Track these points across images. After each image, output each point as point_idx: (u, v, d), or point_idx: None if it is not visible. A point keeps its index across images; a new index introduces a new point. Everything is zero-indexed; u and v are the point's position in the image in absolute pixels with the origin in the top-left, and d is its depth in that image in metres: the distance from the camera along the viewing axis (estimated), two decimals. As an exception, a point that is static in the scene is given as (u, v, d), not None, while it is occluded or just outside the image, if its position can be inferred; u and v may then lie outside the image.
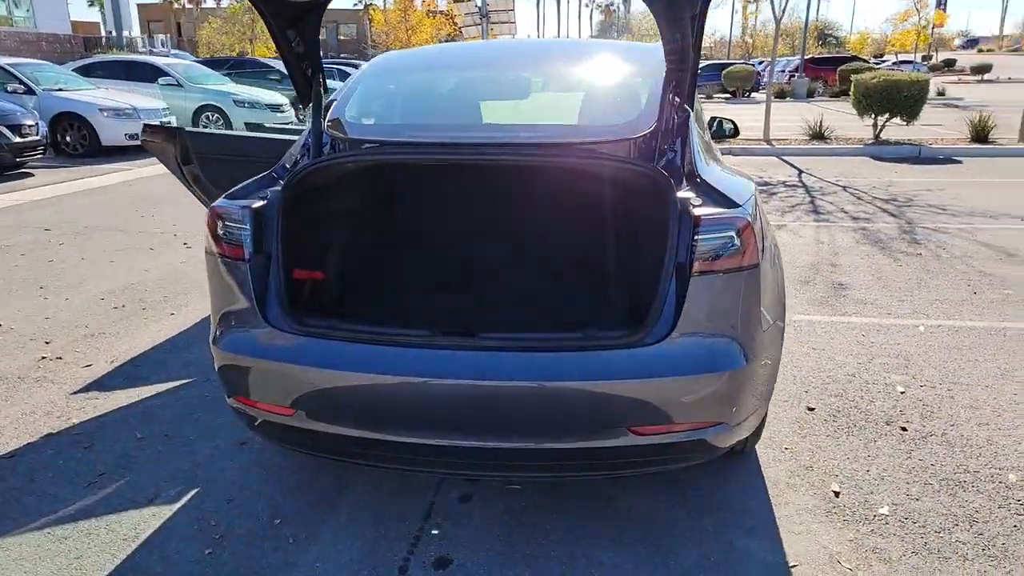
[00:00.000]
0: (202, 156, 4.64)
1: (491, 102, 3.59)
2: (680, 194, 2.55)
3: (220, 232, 2.74)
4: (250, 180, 3.02)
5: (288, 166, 3.13)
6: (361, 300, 3.30)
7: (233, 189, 2.92)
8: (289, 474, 3.27)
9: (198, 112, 16.74)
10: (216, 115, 16.79)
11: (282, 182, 2.92)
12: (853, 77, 14.46)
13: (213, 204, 2.80)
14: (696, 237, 2.43)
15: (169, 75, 16.95)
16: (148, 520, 2.97)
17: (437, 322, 2.67)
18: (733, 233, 2.45)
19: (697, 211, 2.48)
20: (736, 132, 4.93)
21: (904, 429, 3.57)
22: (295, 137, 4.48)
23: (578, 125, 3.19)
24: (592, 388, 2.40)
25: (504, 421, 2.47)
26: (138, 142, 14.03)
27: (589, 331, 2.52)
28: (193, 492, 3.16)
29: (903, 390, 3.98)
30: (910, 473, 3.20)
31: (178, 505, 3.07)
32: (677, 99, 2.94)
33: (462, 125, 3.29)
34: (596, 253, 3.39)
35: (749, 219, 2.48)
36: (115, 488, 3.19)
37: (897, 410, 3.76)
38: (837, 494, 3.06)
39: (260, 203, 2.75)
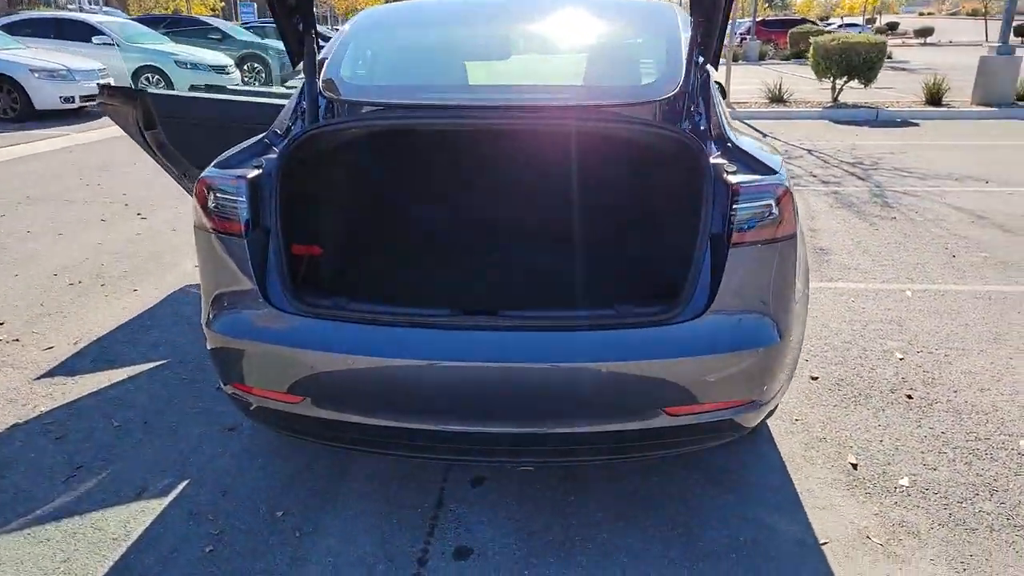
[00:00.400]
0: (167, 120, 4.31)
1: (500, 60, 3.38)
2: (712, 160, 2.41)
3: (212, 205, 2.50)
4: (239, 147, 2.77)
5: (280, 132, 2.88)
6: (369, 277, 3.09)
7: (222, 157, 2.67)
8: (284, 461, 3.08)
9: (137, 74, 15.91)
10: (157, 77, 15.99)
11: (277, 149, 2.69)
12: (812, 39, 14.49)
13: (203, 174, 2.55)
14: (734, 206, 2.30)
15: (104, 34, 16.02)
16: (138, 516, 2.76)
17: (454, 300, 2.50)
18: (772, 201, 2.33)
19: (732, 178, 2.35)
20: (724, 94, 4.81)
21: (910, 397, 3.55)
22: (275, 100, 4.21)
23: (600, 86, 3.00)
24: (628, 369, 2.27)
25: (533, 406, 2.33)
26: (75, 106, 13.30)
27: (620, 308, 2.37)
28: (184, 484, 2.95)
29: (901, 356, 3.97)
30: (923, 442, 3.17)
31: (169, 499, 2.86)
32: (701, 58, 2.79)
33: (470, 86, 3.08)
34: (622, 224, 3.23)
35: (788, 186, 2.36)
36: (97, 482, 2.96)
37: (899, 377, 3.74)
38: (855, 466, 3.01)
39: (256, 173, 2.52)
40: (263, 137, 2.81)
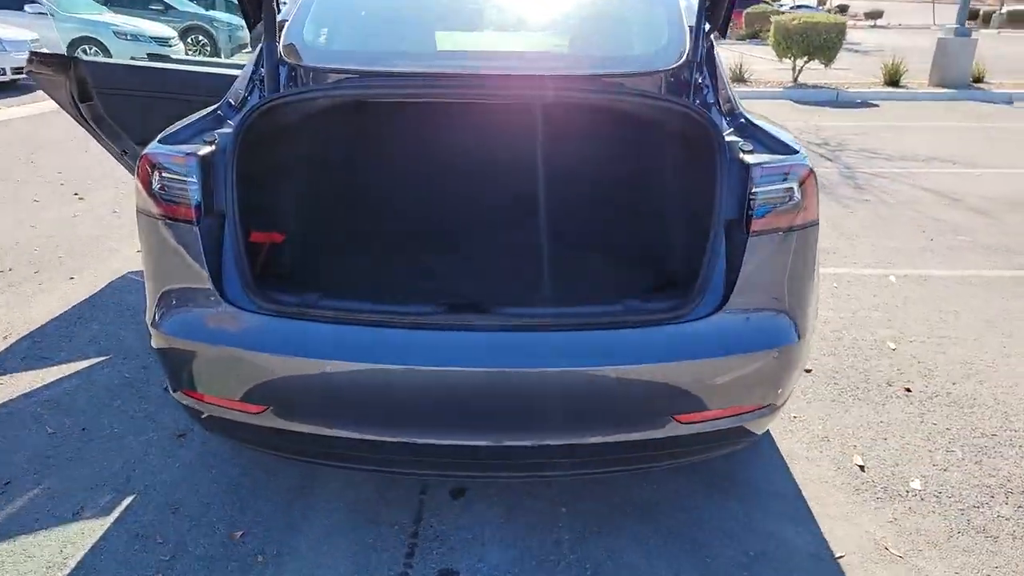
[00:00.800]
0: (104, 91, 3.89)
1: (483, 24, 3.06)
2: (726, 138, 2.17)
3: (157, 187, 2.17)
4: (187, 120, 2.42)
5: (235, 102, 2.53)
6: (340, 269, 2.77)
7: (168, 131, 2.33)
8: (243, 472, 2.77)
9: (73, 45, 15.02)
10: (95, 48, 15.13)
11: (231, 122, 2.36)
12: (773, 19, 14.40)
13: (146, 151, 2.21)
14: (753, 189, 2.06)
15: (37, 2, 15.09)
16: (76, 540, 2.43)
17: (439, 296, 2.21)
18: (794, 184, 2.09)
19: (749, 158, 2.11)
20: None
21: (908, 390, 3.38)
22: (226, 71, 3.83)
23: (598, 55, 2.72)
24: (638, 374, 2.02)
25: (530, 416, 2.07)
26: (6, 78, 12.48)
27: (628, 304, 2.12)
28: (128, 500, 2.62)
29: (894, 347, 3.81)
30: (929, 440, 3.01)
31: (112, 518, 2.53)
32: (708, 25, 2.53)
33: (451, 52, 2.77)
34: (625, 210, 2.94)
35: (811, 167, 2.13)
36: (28, 500, 2.61)
37: (895, 369, 3.58)
38: (862, 468, 2.83)
39: (207, 149, 2.19)
40: (215, 109, 2.46)
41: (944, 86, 13.51)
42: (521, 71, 2.48)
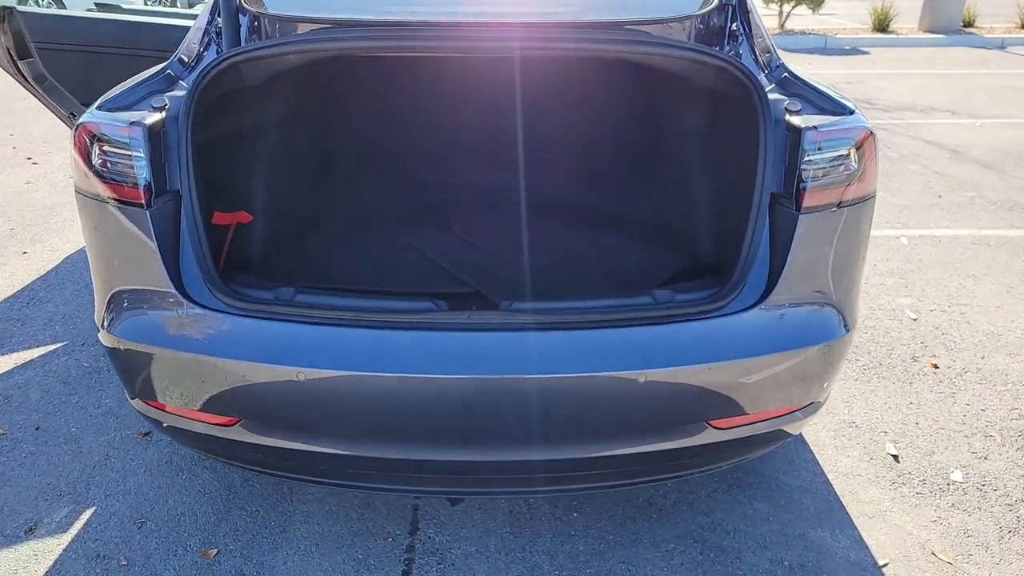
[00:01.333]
0: (45, 46, 3.47)
1: None
2: (770, 95, 1.86)
3: (98, 162, 1.82)
4: (131, 82, 2.06)
5: (188, 59, 2.17)
6: (320, 256, 2.42)
7: (108, 96, 1.97)
8: (216, 477, 2.48)
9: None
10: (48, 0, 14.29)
11: (185, 83, 2.00)
12: (760, -38, 13.87)
13: (82, 119, 1.86)
14: (806, 157, 1.76)
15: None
16: (27, 563, 2.15)
17: (437, 284, 1.91)
18: (852, 150, 1.80)
19: (798, 119, 1.81)
20: None
21: (936, 367, 3.15)
22: (186, 23, 3.41)
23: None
24: (669, 376, 1.74)
25: (540, 428, 1.79)
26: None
27: (657, 295, 1.83)
28: (88, 514, 2.33)
29: (915, 316, 3.57)
30: (964, 423, 2.78)
31: (69, 536, 2.25)
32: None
33: None
34: (651, 182, 2.59)
35: (870, 128, 1.84)
36: (-29, 519, 2.31)
37: (918, 342, 3.34)
38: (896, 458, 2.60)
39: (157, 116, 1.84)
40: (165, 67, 2.10)
41: (935, 31, 13.17)
42: (525, 18, 2.13)
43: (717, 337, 1.77)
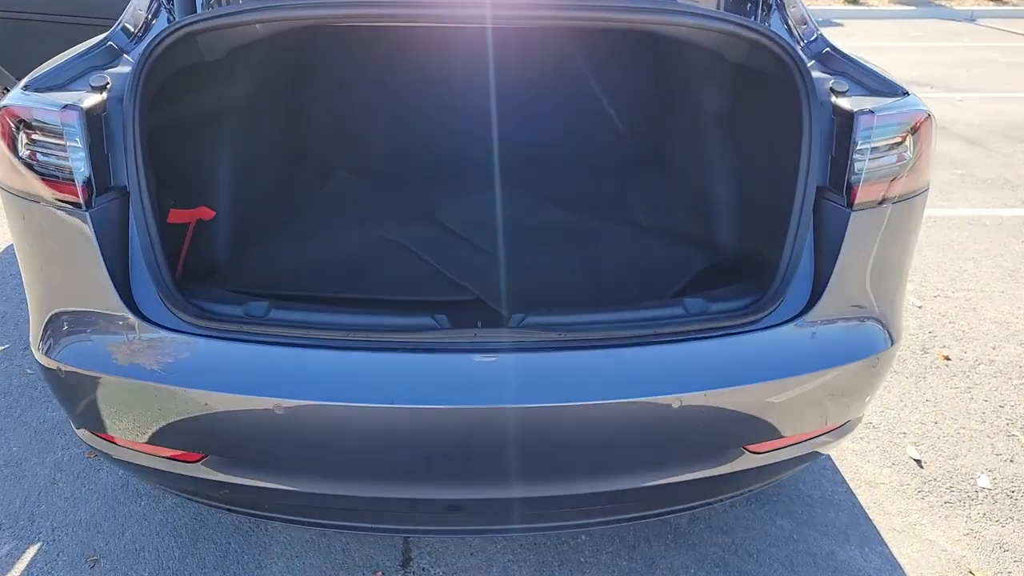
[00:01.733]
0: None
1: None
2: (814, 74, 1.64)
3: (26, 153, 1.53)
4: (65, 57, 1.74)
5: (134, 28, 1.85)
6: (295, 259, 2.11)
7: (38, 72, 1.67)
8: (179, 503, 2.22)
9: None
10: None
11: (131, 58, 1.70)
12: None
13: (6, 102, 1.56)
14: (859, 146, 1.54)
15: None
16: (-41, 618, 1.87)
17: (433, 295, 1.66)
18: (907, 136, 1.58)
19: (846, 102, 1.59)
20: None
21: (947, 358, 3.00)
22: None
23: None
24: (704, 400, 1.52)
25: (559, 462, 1.56)
26: None
27: (688, 304, 1.60)
28: (32, 552, 2.06)
29: (920, 303, 3.41)
30: (984, 422, 2.63)
31: (8, 581, 1.97)
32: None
33: None
34: (676, 172, 2.31)
35: (928, 112, 1.62)
36: None
37: (927, 332, 3.18)
38: (919, 463, 2.44)
39: (97, 98, 1.55)
40: (106, 38, 1.78)
41: (905, 3, 13.09)
42: None
43: (760, 353, 1.55)
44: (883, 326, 1.69)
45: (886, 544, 2.12)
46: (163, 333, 1.50)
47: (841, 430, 1.77)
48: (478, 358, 1.47)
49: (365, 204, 2.41)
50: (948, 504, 2.27)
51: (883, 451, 2.48)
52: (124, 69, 1.64)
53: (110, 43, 1.75)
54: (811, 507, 2.25)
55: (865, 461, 2.44)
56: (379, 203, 2.40)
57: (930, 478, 2.37)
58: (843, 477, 2.37)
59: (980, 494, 2.31)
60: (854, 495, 2.30)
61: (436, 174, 2.53)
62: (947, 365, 2.96)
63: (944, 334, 3.17)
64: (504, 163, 2.41)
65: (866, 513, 2.23)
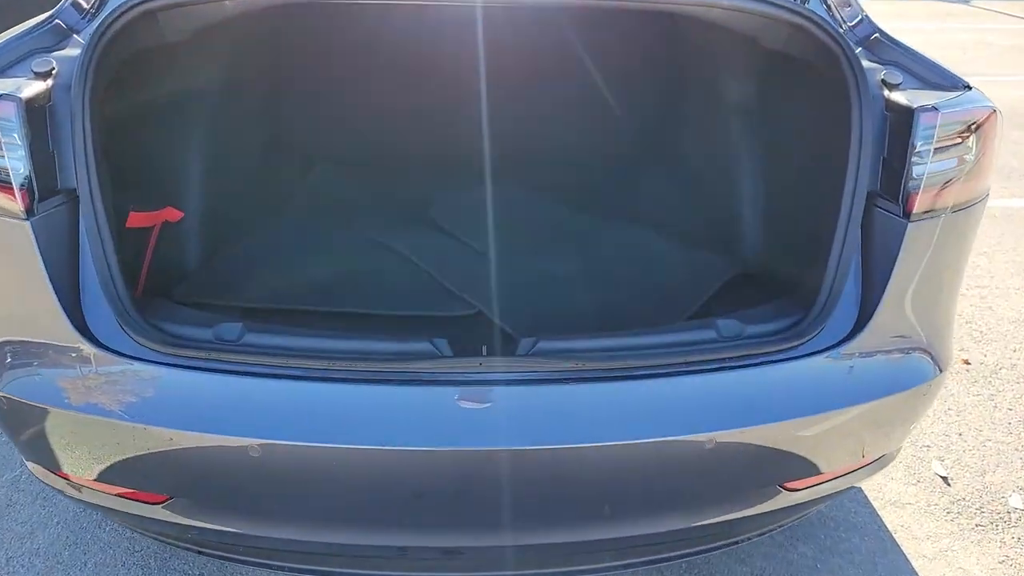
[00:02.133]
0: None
1: None
2: (865, 64, 1.45)
3: (-44, 153, 1.30)
4: (3, 37, 1.51)
5: (86, 4, 1.61)
6: (276, 264, 1.87)
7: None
8: (153, 552, 2.01)
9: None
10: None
11: (80, 38, 1.48)
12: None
13: (-71, 92, 1.33)
14: (919, 147, 1.35)
15: None
16: None
17: (430, 308, 1.47)
18: (970, 136, 1.39)
19: (901, 96, 1.40)
20: None
21: (967, 362, 2.84)
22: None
23: None
24: (741, 437, 1.34)
25: (575, 508, 1.38)
26: None
27: (722, 325, 1.41)
28: (-19, 589, 1.86)
29: (934, 302, 3.25)
30: (1011, 433, 2.48)
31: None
32: None
33: None
34: (707, 172, 2.08)
35: (994, 107, 1.44)
36: None
37: (944, 333, 3.03)
38: (946, 480, 2.28)
39: (40, 86, 1.33)
40: (53, 15, 1.54)
41: (899, -17, 12.88)
42: None
43: (803, 382, 1.38)
44: (939, 348, 1.51)
45: (917, 574, 1.97)
46: (119, 363, 1.29)
47: (882, 461, 1.60)
48: (483, 392, 1.28)
49: (351, 200, 2.20)
50: (980, 527, 2.12)
51: (906, 466, 2.33)
52: (73, 52, 1.42)
53: (57, 21, 1.51)
54: (834, 531, 2.09)
55: (889, 478, 2.28)
56: (367, 199, 2.18)
57: (958, 497, 2.22)
58: (866, 497, 2.21)
59: (1013, 515, 2.16)
60: (879, 517, 2.14)
61: (430, 168, 2.31)
62: (967, 370, 2.80)
63: (961, 334, 3.02)
64: (505, 155, 2.20)
65: (893, 538, 2.08)
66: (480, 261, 1.91)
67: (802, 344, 1.37)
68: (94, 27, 1.40)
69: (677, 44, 1.99)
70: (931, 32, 9.48)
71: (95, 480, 1.41)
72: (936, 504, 2.20)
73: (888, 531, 2.10)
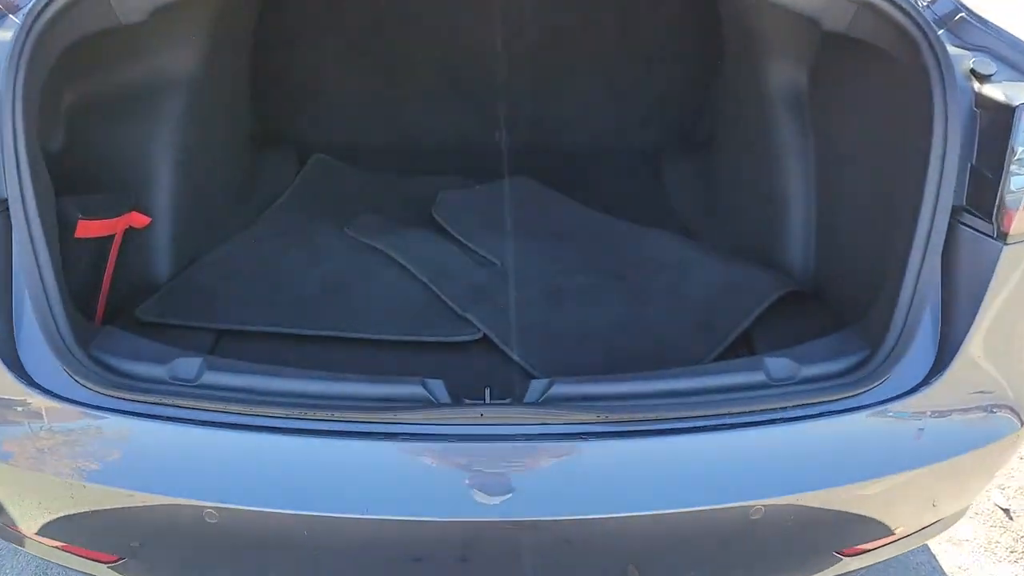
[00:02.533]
0: None
1: None
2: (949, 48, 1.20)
3: None
4: None
5: None
6: (261, 279, 1.63)
7: None
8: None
9: None
10: None
11: (16, 19, 1.26)
12: None
13: None
14: (1018, 152, 1.11)
15: None
16: None
17: (428, 331, 1.27)
18: None
19: (997, 91, 1.15)
20: None
21: None
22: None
23: None
24: (795, 502, 1.12)
25: None
26: None
27: (771, 365, 1.17)
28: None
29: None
30: (1077, 457, 2.24)
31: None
32: None
33: None
34: (736, 166, 1.86)
35: None
36: None
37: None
38: (1008, 513, 2.05)
39: None
40: None
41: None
42: None
43: (871, 437, 1.14)
44: (1017, 395, 1.27)
45: (984, 631, 1.75)
46: (58, 406, 1.09)
47: (953, 517, 1.38)
48: (486, 449, 1.06)
49: (347, 196, 1.98)
50: (1049, 570, 1.89)
51: (963, 496, 2.10)
52: (5, 35, 1.20)
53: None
54: (883, 572, 1.87)
55: (943, 510, 2.05)
56: (359, 198, 1.96)
57: (1022, 534, 1.99)
58: (919, 532, 1.99)
59: (1086, 557, 1.92)
60: (935, 558, 1.92)
61: (434, 158, 2.09)
62: None
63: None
64: (520, 146, 1.96)
65: (951, 582, 1.86)
66: (487, 273, 1.68)
67: (869, 391, 1.14)
68: (27, 7, 1.18)
69: (721, 22, 1.74)
70: None
71: (40, 536, 1.23)
72: (998, 542, 1.97)
73: (945, 574, 1.88)
